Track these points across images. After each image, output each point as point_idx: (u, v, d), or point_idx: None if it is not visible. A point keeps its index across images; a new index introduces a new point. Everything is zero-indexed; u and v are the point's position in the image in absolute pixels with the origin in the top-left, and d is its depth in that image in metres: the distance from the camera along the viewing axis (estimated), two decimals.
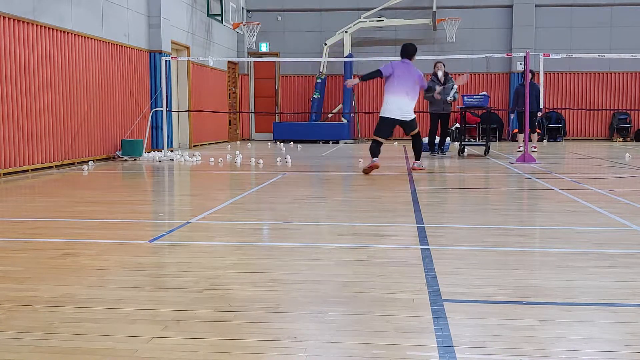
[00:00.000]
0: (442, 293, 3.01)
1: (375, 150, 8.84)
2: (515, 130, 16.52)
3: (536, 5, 18.95)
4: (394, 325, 2.56)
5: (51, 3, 9.80)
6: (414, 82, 8.82)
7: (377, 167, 8.77)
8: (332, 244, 4.17)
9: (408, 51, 9.03)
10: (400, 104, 8.72)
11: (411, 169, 9.24)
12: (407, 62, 8.92)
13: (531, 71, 12.60)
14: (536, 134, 13.83)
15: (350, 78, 18.34)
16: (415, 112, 8.96)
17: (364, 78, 9.02)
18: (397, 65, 8.85)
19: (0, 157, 8.62)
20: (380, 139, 8.89)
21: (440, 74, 12.41)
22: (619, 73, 19.07)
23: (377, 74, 8.89)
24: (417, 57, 13.95)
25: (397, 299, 2.92)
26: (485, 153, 12.33)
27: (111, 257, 3.80)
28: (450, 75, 12.67)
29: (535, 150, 13.35)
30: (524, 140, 11.39)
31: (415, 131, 9.03)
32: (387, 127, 8.90)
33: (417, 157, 9.28)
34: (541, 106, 12.32)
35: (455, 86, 12.36)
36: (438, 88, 12.23)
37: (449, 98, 12.21)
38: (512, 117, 17.20)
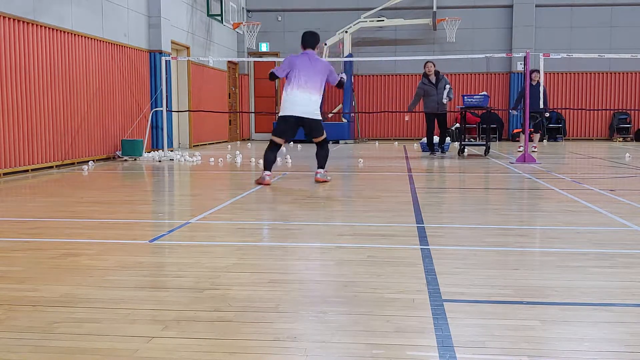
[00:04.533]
0: (442, 293, 3.01)
1: (269, 158, 7.56)
2: (518, 130, 16.51)
3: (536, 5, 18.95)
4: (394, 325, 2.56)
5: (51, 3, 9.79)
6: (318, 75, 7.54)
7: (267, 184, 7.43)
8: (332, 244, 4.17)
9: (308, 41, 7.69)
10: (297, 99, 7.45)
11: (315, 180, 7.77)
12: (308, 54, 7.63)
13: (535, 70, 12.58)
14: (538, 134, 13.80)
15: (351, 78, 18.36)
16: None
17: (271, 77, 7.76)
18: (295, 59, 7.59)
19: (0, 157, 8.63)
20: (277, 139, 7.61)
21: (431, 75, 12.30)
22: (619, 73, 19.06)
23: (272, 77, 7.67)
24: (417, 57, 13.75)
25: (397, 299, 2.92)
26: (485, 153, 12.33)
27: (111, 257, 3.80)
28: (443, 75, 12.57)
29: (536, 150, 13.35)
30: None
31: (322, 138, 7.71)
32: (285, 127, 7.58)
33: (321, 165, 7.79)
34: (541, 106, 12.26)
35: (449, 86, 12.29)
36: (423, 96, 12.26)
37: (444, 100, 12.17)
38: (514, 114, 17.17)
